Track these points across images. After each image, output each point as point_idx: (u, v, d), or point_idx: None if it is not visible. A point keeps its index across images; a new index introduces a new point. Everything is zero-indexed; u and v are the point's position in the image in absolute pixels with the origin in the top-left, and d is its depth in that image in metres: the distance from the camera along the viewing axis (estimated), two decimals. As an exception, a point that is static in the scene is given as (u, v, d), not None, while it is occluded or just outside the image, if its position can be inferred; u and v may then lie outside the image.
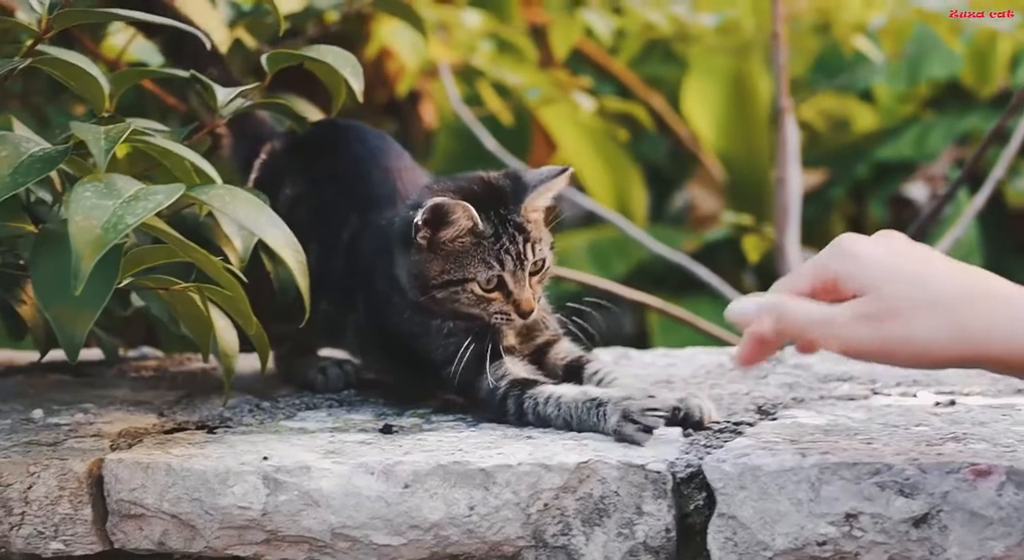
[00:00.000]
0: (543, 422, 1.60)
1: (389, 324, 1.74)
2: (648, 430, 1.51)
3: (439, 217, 1.63)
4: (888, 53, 4.13)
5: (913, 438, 1.49)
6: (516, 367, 1.67)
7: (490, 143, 3.70)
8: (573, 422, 1.58)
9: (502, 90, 3.98)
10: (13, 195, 1.46)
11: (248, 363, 1.86)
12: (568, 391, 1.61)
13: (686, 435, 1.56)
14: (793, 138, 3.17)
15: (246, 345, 1.71)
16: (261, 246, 1.73)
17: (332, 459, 1.50)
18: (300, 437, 1.61)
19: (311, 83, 1.97)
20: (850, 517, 1.38)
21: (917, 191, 5.68)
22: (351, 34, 3.08)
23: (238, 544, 1.50)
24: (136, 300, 1.96)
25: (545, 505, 1.44)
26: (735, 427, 1.59)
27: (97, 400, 1.83)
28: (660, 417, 1.52)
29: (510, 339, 1.70)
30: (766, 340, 1.41)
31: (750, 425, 1.59)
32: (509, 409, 1.63)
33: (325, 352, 1.94)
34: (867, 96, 5.67)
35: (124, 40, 2.29)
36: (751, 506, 1.40)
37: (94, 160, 1.48)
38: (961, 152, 5.44)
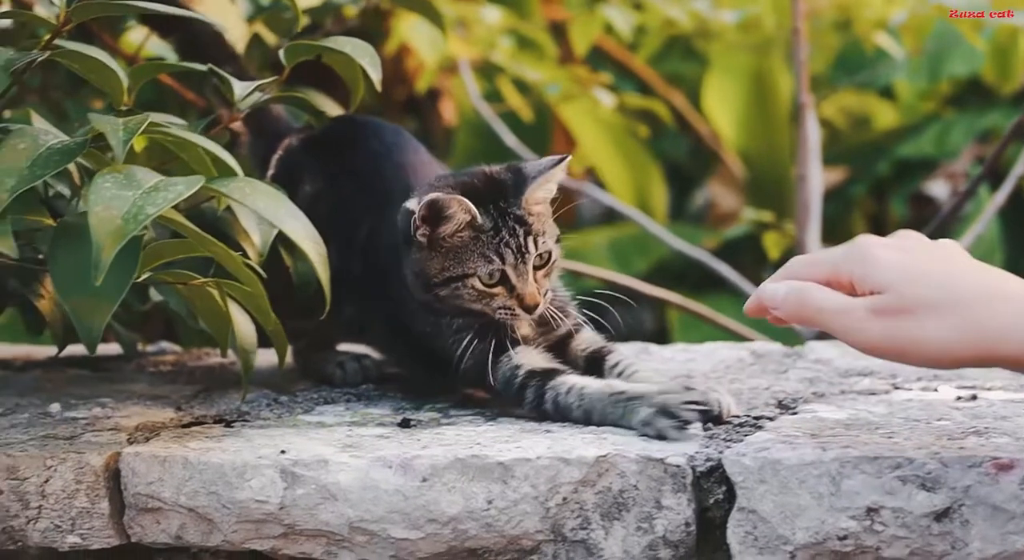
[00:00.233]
0: (562, 413, 1.59)
1: (404, 321, 1.73)
2: (685, 425, 1.50)
3: (435, 213, 1.62)
4: (909, 50, 4.12)
5: (934, 432, 1.48)
6: (533, 357, 1.66)
7: (510, 140, 3.70)
8: (595, 415, 1.57)
9: (522, 86, 3.96)
10: (31, 188, 1.46)
11: (266, 358, 1.86)
12: (592, 383, 1.60)
13: (706, 429, 1.55)
14: (814, 134, 3.16)
15: (264, 340, 1.70)
16: (280, 240, 1.73)
17: (350, 453, 1.49)
18: (318, 431, 1.60)
19: (329, 80, 1.96)
20: (871, 511, 1.37)
21: (938, 189, 5.65)
22: (370, 30, 3.07)
23: (255, 538, 1.50)
24: (154, 295, 1.96)
25: (564, 499, 1.43)
26: (755, 421, 1.58)
27: (115, 394, 1.83)
28: (699, 412, 1.51)
29: (524, 329, 1.68)
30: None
31: (770, 419, 1.58)
32: (527, 398, 1.62)
33: (343, 347, 1.94)
34: (888, 93, 5.64)
35: (142, 37, 2.29)
36: (771, 500, 1.39)
37: (112, 153, 1.47)
38: (982, 149, 5.42)
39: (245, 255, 1.66)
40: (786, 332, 2.69)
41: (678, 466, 1.42)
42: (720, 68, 5.40)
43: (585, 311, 1.74)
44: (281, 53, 1.77)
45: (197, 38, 1.95)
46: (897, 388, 1.74)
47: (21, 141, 1.49)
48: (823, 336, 2.31)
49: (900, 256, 1.36)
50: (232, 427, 1.64)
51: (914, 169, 5.44)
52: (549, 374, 1.62)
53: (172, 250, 1.58)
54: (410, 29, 3.38)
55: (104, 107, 2.09)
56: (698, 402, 1.52)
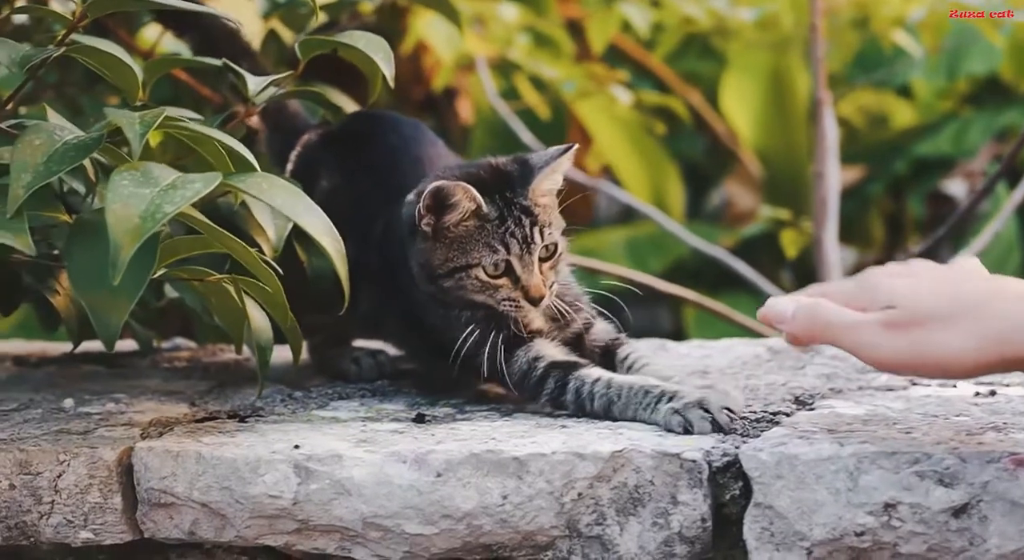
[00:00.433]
0: (581, 404, 1.58)
1: (417, 315, 1.72)
2: (719, 428, 1.49)
3: (440, 201, 1.61)
4: (927, 47, 4.10)
5: (953, 428, 1.47)
6: (552, 349, 1.65)
7: (527, 137, 3.69)
8: (616, 407, 1.55)
9: (538, 84, 3.96)
10: (47, 184, 1.45)
11: (280, 354, 1.85)
12: (618, 375, 1.59)
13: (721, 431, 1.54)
14: (832, 131, 3.15)
15: (279, 336, 1.70)
16: (295, 234, 1.73)
17: (364, 448, 1.48)
18: (332, 426, 1.60)
19: (345, 77, 1.96)
20: (889, 507, 1.36)
21: (956, 187, 5.64)
22: (387, 28, 3.07)
23: (269, 533, 1.49)
24: (169, 291, 1.95)
25: (579, 494, 1.43)
26: (772, 417, 1.57)
27: (129, 390, 1.83)
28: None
29: (537, 323, 1.67)
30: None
31: (787, 415, 1.58)
32: (547, 388, 1.60)
33: (358, 343, 1.93)
34: (905, 92, 5.63)
35: (157, 34, 2.29)
36: (788, 496, 1.38)
37: (128, 148, 1.47)
38: (1000, 148, 5.40)
39: (261, 251, 1.65)
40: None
41: (694, 461, 1.41)
42: (738, 66, 5.40)
43: (599, 308, 1.73)
44: (296, 47, 1.76)
45: (212, 35, 1.95)
46: (915, 384, 1.72)
47: (37, 137, 1.49)
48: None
49: (909, 280, 1.38)
50: (246, 422, 1.64)
51: (932, 168, 5.43)
52: (572, 366, 1.61)
53: (188, 246, 1.57)
54: (427, 26, 3.38)
55: (119, 103, 2.08)
56: (732, 410, 1.51)
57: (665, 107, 4.11)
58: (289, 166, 1.90)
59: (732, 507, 1.42)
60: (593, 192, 4.28)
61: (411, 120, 1.93)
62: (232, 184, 1.51)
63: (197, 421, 1.66)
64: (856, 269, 5.00)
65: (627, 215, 5.60)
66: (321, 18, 2.26)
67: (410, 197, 1.67)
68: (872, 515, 1.36)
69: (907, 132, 5.51)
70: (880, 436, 1.43)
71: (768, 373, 1.83)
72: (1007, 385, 1.70)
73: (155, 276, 1.54)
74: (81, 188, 1.73)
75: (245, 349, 1.72)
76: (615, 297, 1.73)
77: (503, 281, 1.64)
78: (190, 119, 1.65)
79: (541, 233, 1.64)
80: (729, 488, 1.42)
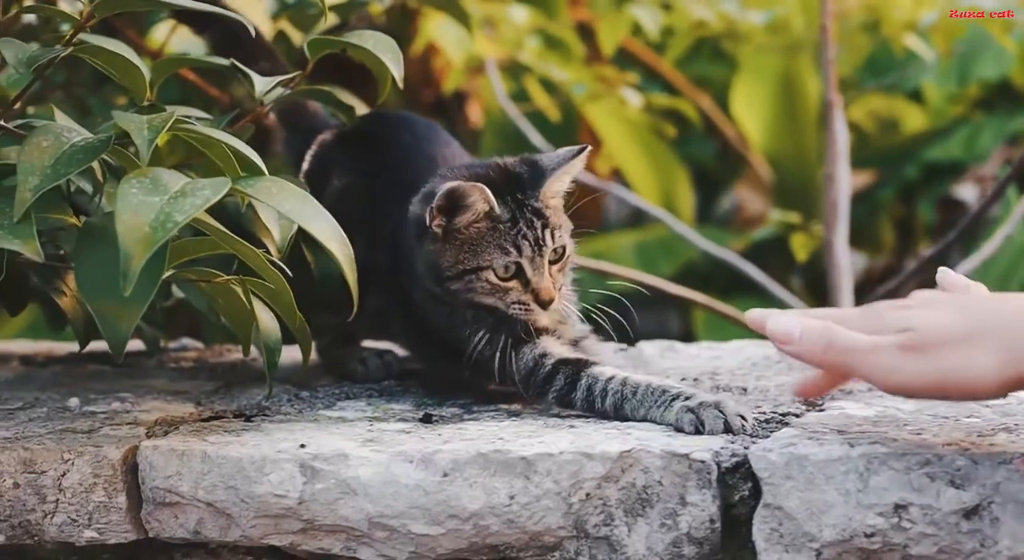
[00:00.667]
0: (590, 402, 1.57)
1: (425, 316, 1.72)
2: (729, 428, 1.48)
3: (454, 202, 1.60)
4: (939, 51, 4.09)
5: (964, 429, 1.46)
6: (559, 347, 1.64)
7: (536, 139, 3.68)
8: (628, 404, 1.55)
9: (548, 86, 3.95)
10: (55, 186, 1.44)
11: (287, 354, 1.84)
12: (634, 374, 1.58)
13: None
14: (842, 134, 3.14)
15: (286, 336, 1.69)
16: (301, 236, 1.72)
17: (370, 447, 1.48)
18: (338, 426, 1.59)
19: (355, 80, 1.95)
20: (899, 508, 1.35)
21: (967, 192, 5.62)
22: (397, 30, 3.07)
23: (274, 533, 1.49)
24: (177, 291, 1.95)
25: (587, 495, 1.42)
26: (781, 418, 1.56)
27: (134, 389, 1.83)
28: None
29: (543, 321, 1.67)
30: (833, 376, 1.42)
31: (797, 416, 1.57)
32: (555, 385, 1.60)
33: (367, 343, 1.93)
34: (916, 96, 5.62)
35: (166, 34, 2.29)
36: (797, 496, 1.37)
37: (136, 150, 1.46)
38: (1012, 153, 5.38)
39: (268, 252, 1.64)
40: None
41: (703, 462, 1.40)
42: (748, 70, 5.38)
43: (594, 306, 1.72)
44: (305, 47, 1.76)
45: (232, 34, 1.94)
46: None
47: (45, 139, 1.48)
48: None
49: (918, 308, 1.36)
50: (252, 422, 1.63)
51: (943, 172, 5.41)
52: (583, 363, 1.61)
53: (196, 248, 1.56)
54: (437, 28, 3.37)
55: (127, 103, 2.08)
56: (746, 417, 1.50)
57: (675, 110, 4.09)
58: (304, 165, 1.90)
59: (741, 508, 1.41)
60: (603, 195, 4.27)
61: (426, 120, 1.93)
62: (241, 189, 1.49)
63: (203, 420, 1.65)
64: (866, 273, 5.00)
65: (637, 218, 5.59)
66: (331, 19, 2.26)
67: (418, 198, 1.66)
68: (882, 516, 1.35)
69: (918, 137, 5.49)
70: (890, 437, 1.42)
71: (778, 374, 1.82)
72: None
73: (163, 277, 1.54)
74: (88, 188, 1.72)
75: (252, 350, 1.71)
76: (624, 299, 1.72)
77: (513, 284, 1.63)
78: (198, 119, 1.64)
79: (552, 235, 1.64)
80: (738, 489, 1.41)
